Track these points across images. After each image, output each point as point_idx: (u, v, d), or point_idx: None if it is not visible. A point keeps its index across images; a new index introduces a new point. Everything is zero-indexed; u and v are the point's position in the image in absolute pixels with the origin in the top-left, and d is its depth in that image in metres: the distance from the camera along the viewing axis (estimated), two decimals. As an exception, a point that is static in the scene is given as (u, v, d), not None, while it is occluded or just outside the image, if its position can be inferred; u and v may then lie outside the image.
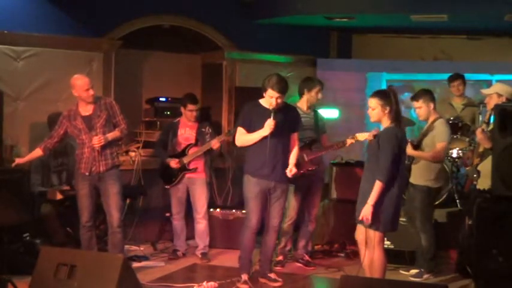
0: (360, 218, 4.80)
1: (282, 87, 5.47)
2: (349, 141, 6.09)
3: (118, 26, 7.22)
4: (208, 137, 6.62)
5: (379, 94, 4.94)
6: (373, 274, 4.92)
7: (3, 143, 6.12)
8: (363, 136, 5.95)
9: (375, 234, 4.88)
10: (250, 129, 5.59)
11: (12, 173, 6.00)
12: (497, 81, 6.07)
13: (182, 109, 6.65)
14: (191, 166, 6.58)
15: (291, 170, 5.56)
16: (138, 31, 7.38)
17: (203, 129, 6.67)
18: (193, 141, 6.62)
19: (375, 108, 4.89)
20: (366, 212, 4.74)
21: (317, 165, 6.27)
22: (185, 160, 6.56)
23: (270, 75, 5.57)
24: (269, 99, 5.51)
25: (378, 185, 4.73)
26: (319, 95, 6.35)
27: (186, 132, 6.67)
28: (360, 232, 4.99)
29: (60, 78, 6.86)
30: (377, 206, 4.77)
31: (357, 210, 4.93)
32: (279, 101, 5.49)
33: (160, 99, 7.66)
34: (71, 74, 6.86)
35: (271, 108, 5.49)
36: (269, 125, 5.43)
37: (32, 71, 6.72)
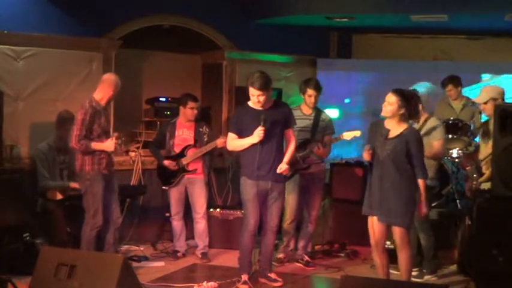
0: (423, 214, 5.12)
1: (261, 84, 5.40)
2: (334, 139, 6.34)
3: (118, 26, 7.21)
4: (205, 136, 6.61)
5: (402, 93, 5.06)
6: (401, 275, 5.14)
7: (3, 143, 6.12)
8: (348, 135, 6.19)
9: (404, 231, 5.05)
10: (241, 133, 5.58)
11: (12, 173, 6.02)
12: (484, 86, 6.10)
13: (181, 108, 6.63)
14: (190, 167, 6.57)
15: (280, 168, 5.52)
16: (138, 31, 7.37)
17: (201, 129, 6.65)
18: (191, 142, 6.61)
19: (392, 105, 5.00)
20: (425, 210, 5.07)
21: (309, 164, 6.26)
22: (184, 161, 6.56)
23: (252, 73, 5.53)
24: (252, 98, 5.50)
25: (423, 183, 5.02)
26: (312, 99, 6.30)
27: (184, 133, 6.65)
28: (381, 234, 5.11)
29: (60, 78, 6.87)
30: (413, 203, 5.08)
31: (375, 210, 5.04)
32: (261, 98, 5.44)
33: (160, 99, 7.65)
34: (71, 74, 6.93)
35: (258, 108, 5.47)
36: (258, 134, 5.42)
37: (32, 71, 6.71)
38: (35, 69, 6.72)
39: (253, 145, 5.49)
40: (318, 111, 6.40)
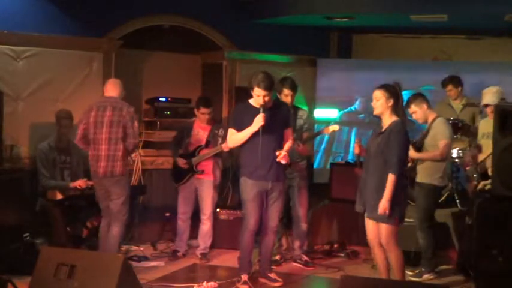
0: (381, 211, 4.83)
1: (268, 84, 5.43)
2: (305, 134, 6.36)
3: (118, 26, 7.21)
4: (220, 139, 6.62)
5: (385, 86, 5.08)
6: (394, 275, 5.04)
7: (3, 143, 6.12)
8: (328, 129, 6.37)
9: (389, 230, 4.93)
10: (241, 130, 5.59)
11: (12, 173, 6.02)
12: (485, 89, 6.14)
13: (196, 111, 6.69)
14: (199, 168, 6.61)
15: (280, 154, 5.44)
16: (138, 31, 7.37)
17: (216, 131, 6.68)
18: (203, 143, 6.64)
19: (379, 99, 5.01)
20: (385, 206, 4.81)
21: (288, 161, 6.21)
22: (194, 161, 6.59)
23: (255, 73, 5.55)
24: (257, 98, 5.51)
25: (392, 179, 4.81)
26: (288, 98, 6.26)
27: (199, 133, 6.70)
28: (371, 231, 5.05)
29: (60, 78, 6.87)
30: (391, 199, 4.86)
31: (363, 206, 5.00)
32: (266, 98, 5.46)
33: (160, 99, 7.65)
34: (71, 74, 6.93)
35: (260, 107, 5.49)
36: (258, 120, 5.42)
37: (32, 71, 6.71)
38: (35, 69, 6.72)
39: (254, 144, 5.49)
40: (295, 109, 6.40)
